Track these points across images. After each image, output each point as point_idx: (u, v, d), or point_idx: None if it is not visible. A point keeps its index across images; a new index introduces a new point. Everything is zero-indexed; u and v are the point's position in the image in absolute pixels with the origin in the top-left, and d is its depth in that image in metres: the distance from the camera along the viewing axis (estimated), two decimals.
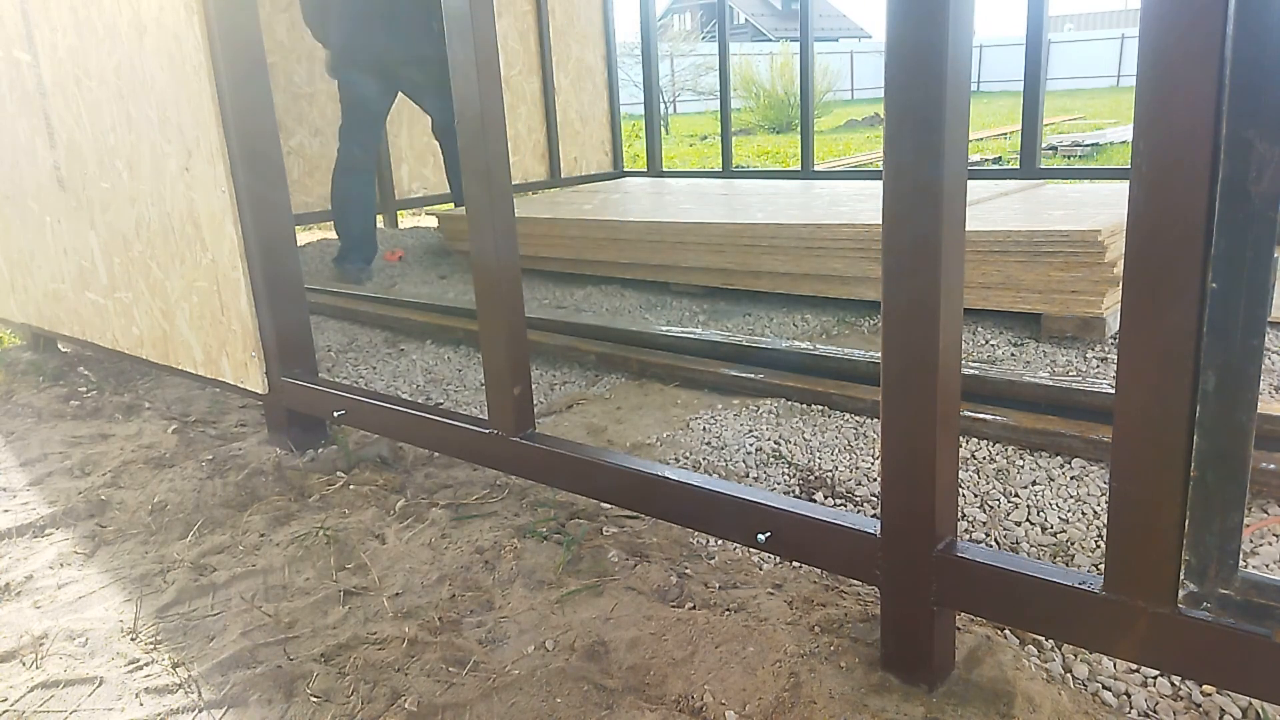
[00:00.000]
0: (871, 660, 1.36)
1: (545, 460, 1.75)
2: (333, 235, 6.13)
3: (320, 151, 5.73)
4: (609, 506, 1.92)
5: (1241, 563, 0.98)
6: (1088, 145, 9.51)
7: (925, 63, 1.08)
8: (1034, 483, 1.95)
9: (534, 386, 2.09)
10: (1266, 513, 1.76)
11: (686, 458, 2.21)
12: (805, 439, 2.26)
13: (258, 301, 2.26)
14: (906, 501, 1.23)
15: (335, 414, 2.19)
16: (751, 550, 1.73)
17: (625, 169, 6.72)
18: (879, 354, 1.21)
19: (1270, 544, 1.65)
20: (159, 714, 1.39)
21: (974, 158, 8.79)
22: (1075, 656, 1.38)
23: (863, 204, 3.87)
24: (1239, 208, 0.88)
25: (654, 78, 6.29)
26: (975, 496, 1.92)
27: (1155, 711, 1.26)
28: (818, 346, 2.68)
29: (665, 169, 6.43)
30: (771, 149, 12.48)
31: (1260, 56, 0.85)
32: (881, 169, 1.15)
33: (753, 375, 2.60)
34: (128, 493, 2.20)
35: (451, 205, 5.83)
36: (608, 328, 3.09)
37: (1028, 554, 1.70)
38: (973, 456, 2.10)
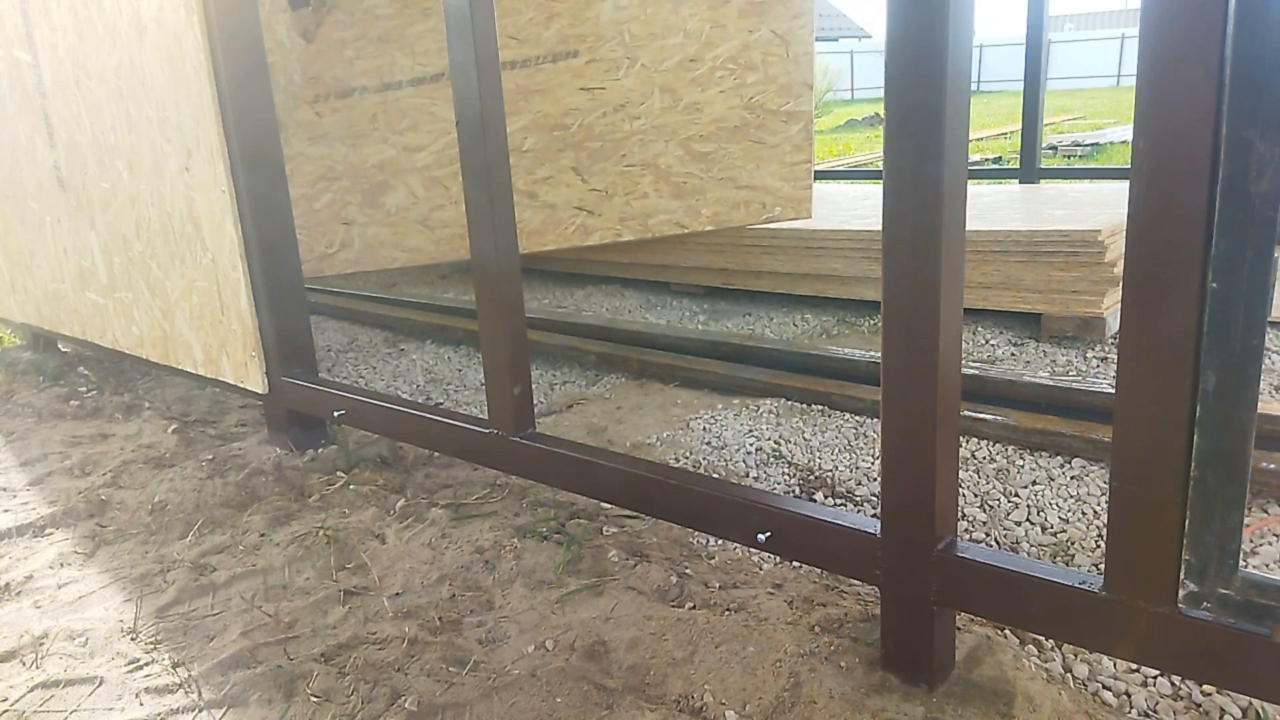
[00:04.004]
0: (871, 660, 1.36)
1: (545, 460, 1.75)
2: None
3: None
4: (609, 506, 1.92)
5: (1241, 563, 0.98)
6: (1088, 145, 9.51)
7: (925, 63, 1.08)
8: (1034, 483, 1.95)
9: (534, 386, 2.10)
10: (1266, 513, 1.76)
11: (686, 457, 2.21)
12: (805, 439, 2.26)
13: (258, 301, 2.26)
14: (907, 501, 1.23)
15: (335, 414, 2.19)
16: (751, 550, 1.73)
17: None
18: (879, 354, 1.21)
19: (1270, 544, 1.65)
20: (159, 714, 1.39)
21: (974, 157, 8.79)
22: (1075, 656, 1.38)
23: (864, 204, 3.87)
24: (1239, 207, 0.88)
25: None
26: (975, 496, 1.92)
27: (1155, 711, 1.26)
28: (818, 346, 2.68)
29: None
30: None
31: (1261, 55, 0.85)
32: (881, 169, 1.15)
33: (753, 375, 2.60)
34: (128, 493, 2.20)
35: None
36: (608, 327, 3.09)
37: (1028, 554, 1.70)
38: (973, 456, 2.10)
